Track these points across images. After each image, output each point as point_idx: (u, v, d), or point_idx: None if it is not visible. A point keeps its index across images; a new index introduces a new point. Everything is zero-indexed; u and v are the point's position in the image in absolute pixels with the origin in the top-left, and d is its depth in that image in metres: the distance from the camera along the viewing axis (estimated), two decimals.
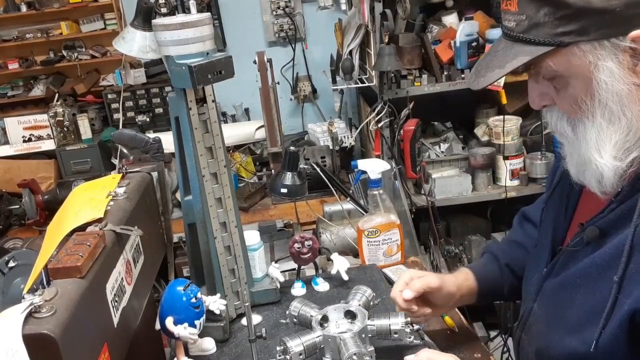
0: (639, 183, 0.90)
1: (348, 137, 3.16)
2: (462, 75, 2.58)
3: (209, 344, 1.33)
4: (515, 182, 2.70)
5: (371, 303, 1.29)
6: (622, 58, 0.84)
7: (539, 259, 1.14)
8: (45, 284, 0.95)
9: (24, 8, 3.80)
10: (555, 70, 0.89)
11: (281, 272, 1.54)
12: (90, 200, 1.25)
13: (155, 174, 1.53)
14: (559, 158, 1.11)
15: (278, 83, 2.78)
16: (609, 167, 0.89)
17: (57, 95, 3.53)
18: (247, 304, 1.16)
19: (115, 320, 1.07)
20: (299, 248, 1.52)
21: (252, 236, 1.52)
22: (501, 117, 2.67)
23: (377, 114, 2.57)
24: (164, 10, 2.05)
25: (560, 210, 1.12)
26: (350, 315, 1.25)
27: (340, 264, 1.55)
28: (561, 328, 1.01)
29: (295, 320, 1.27)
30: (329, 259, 1.63)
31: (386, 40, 2.38)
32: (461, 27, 2.53)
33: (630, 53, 0.84)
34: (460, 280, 1.32)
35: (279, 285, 1.52)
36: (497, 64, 0.92)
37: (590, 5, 0.82)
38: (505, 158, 2.65)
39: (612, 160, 0.88)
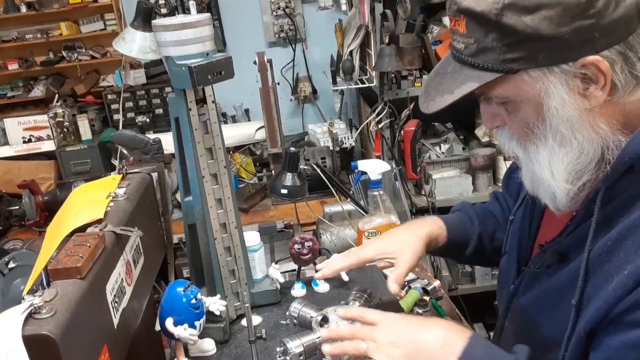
0: (592, 206, 0.89)
1: (348, 138, 3.17)
2: None
3: (209, 345, 1.33)
4: None
5: (371, 304, 1.29)
6: (572, 84, 0.83)
7: (508, 275, 1.14)
8: (45, 285, 0.95)
9: (23, 9, 3.80)
10: (505, 96, 0.88)
11: (281, 273, 1.54)
12: (90, 201, 1.25)
13: (155, 175, 1.52)
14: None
15: (278, 84, 2.78)
16: (561, 190, 0.89)
17: (57, 96, 3.52)
18: (247, 304, 1.16)
19: (115, 321, 1.07)
20: (299, 249, 1.52)
21: (252, 237, 1.52)
22: None
23: (378, 114, 2.57)
24: (163, 10, 2.05)
25: (524, 225, 1.12)
26: None
27: None
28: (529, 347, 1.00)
29: (295, 321, 1.27)
30: None
31: (386, 41, 2.38)
32: None
33: (580, 77, 0.82)
34: (428, 229, 1.29)
35: (279, 286, 1.51)
36: (446, 88, 0.90)
37: (538, 33, 0.80)
38: (506, 159, 2.65)
39: (564, 183, 0.88)
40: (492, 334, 2.80)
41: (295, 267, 1.59)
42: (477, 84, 0.86)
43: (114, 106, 3.60)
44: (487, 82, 0.85)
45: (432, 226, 1.30)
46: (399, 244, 1.25)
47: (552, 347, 0.93)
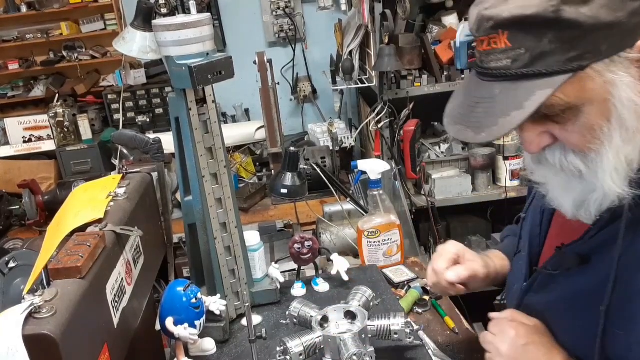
0: (618, 210, 0.86)
1: (348, 138, 3.17)
2: (462, 76, 2.59)
3: (209, 345, 1.33)
4: (515, 183, 2.70)
5: (371, 304, 1.29)
6: (633, 71, 0.79)
7: (519, 273, 1.14)
8: (45, 284, 0.95)
9: (24, 8, 3.81)
10: (566, 102, 0.81)
11: (281, 272, 1.54)
12: (91, 201, 1.25)
13: (155, 175, 1.52)
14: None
15: (278, 83, 2.78)
16: (617, 190, 0.84)
17: (57, 95, 3.53)
18: (247, 304, 1.16)
19: (116, 320, 1.07)
20: (299, 248, 1.52)
21: (252, 237, 1.53)
22: None
23: (377, 114, 2.57)
24: (164, 10, 2.05)
25: (535, 224, 1.12)
26: (350, 315, 1.25)
27: (340, 265, 1.55)
28: None
29: (295, 320, 1.27)
30: (329, 260, 1.63)
31: (386, 41, 2.38)
32: (461, 28, 2.54)
33: (637, 65, 0.79)
34: (498, 264, 1.30)
35: (279, 286, 1.52)
36: (504, 109, 0.81)
37: (599, 22, 0.76)
38: (505, 159, 2.65)
39: (621, 181, 0.83)
40: None
41: (295, 266, 1.59)
42: (550, 89, 0.78)
43: (114, 106, 3.60)
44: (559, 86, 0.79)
45: (502, 261, 1.31)
46: (475, 255, 1.29)
47: (576, 349, 0.94)
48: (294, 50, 3.79)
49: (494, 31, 0.81)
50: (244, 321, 1.42)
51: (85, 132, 3.43)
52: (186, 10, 2.37)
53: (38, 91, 3.97)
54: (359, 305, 1.26)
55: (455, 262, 1.26)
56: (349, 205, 2.15)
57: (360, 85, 2.81)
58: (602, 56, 0.78)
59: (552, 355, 0.96)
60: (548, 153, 0.89)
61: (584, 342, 0.92)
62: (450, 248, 1.28)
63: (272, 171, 2.90)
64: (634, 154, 0.82)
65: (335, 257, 1.57)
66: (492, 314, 1.07)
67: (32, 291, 0.94)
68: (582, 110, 0.82)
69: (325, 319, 1.25)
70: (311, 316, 1.25)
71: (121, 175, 1.42)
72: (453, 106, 0.91)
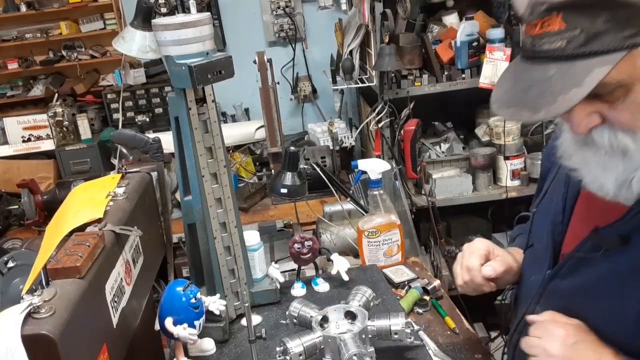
0: None
1: (348, 137, 3.16)
2: (463, 75, 2.58)
3: (208, 345, 1.33)
4: (516, 183, 2.69)
5: (371, 304, 1.29)
6: None
7: (538, 262, 1.14)
8: (44, 284, 0.95)
9: (23, 8, 3.80)
10: (618, 80, 0.83)
11: (281, 272, 1.54)
12: (90, 201, 1.25)
13: (154, 174, 1.52)
14: (548, 166, 1.15)
15: (278, 83, 2.78)
16: None
17: (56, 95, 3.53)
18: (246, 304, 1.16)
19: (115, 320, 1.07)
20: (299, 248, 1.52)
21: (252, 236, 1.52)
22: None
23: (378, 114, 2.56)
24: (163, 10, 2.05)
25: (557, 212, 1.12)
26: (351, 315, 1.24)
27: (341, 265, 1.55)
28: None
29: (295, 320, 1.27)
30: (329, 260, 1.63)
31: (386, 40, 2.37)
32: (462, 27, 2.53)
33: None
34: (520, 260, 1.29)
35: (278, 286, 1.51)
36: (562, 88, 0.83)
37: None
38: (506, 158, 2.65)
39: None
40: (492, 333, 2.80)
41: (295, 266, 1.59)
42: (608, 66, 0.81)
43: (113, 105, 3.60)
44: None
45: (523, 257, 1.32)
46: (503, 250, 1.29)
47: (617, 331, 0.95)
48: (294, 50, 3.78)
49: (547, 14, 0.83)
50: (243, 321, 1.41)
51: (85, 131, 3.43)
52: (186, 10, 2.36)
53: (37, 91, 3.97)
54: (359, 305, 1.26)
55: (487, 259, 1.26)
56: (349, 205, 2.15)
57: (360, 85, 2.81)
58: None
59: (601, 352, 0.97)
60: (595, 134, 0.90)
61: (624, 323, 0.93)
62: (479, 245, 1.28)
63: (272, 171, 2.90)
64: None
65: (335, 257, 1.57)
66: (531, 317, 1.06)
67: (31, 291, 0.93)
68: (632, 89, 0.84)
69: (325, 319, 1.24)
70: (311, 316, 1.24)
71: (120, 174, 1.42)
72: (501, 91, 0.92)
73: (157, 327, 1.23)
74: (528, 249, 1.22)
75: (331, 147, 2.89)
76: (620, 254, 0.95)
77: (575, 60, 0.83)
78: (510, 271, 1.24)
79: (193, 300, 1.21)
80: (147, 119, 3.62)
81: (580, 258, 1.02)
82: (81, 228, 1.12)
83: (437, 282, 1.63)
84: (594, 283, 0.99)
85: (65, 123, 3.30)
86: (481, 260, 1.24)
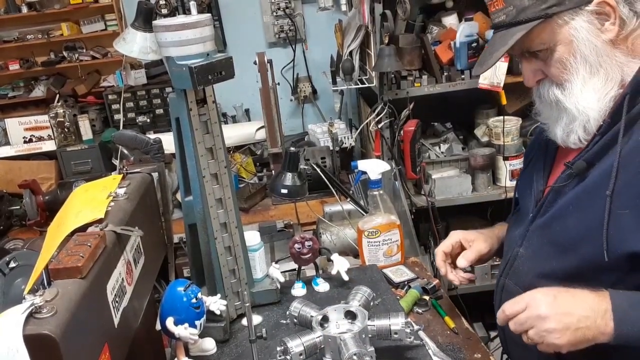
0: (617, 115, 1.08)
1: (348, 138, 3.17)
2: (462, 76, 2.59)
3: (209, 344, 1.34)
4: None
5: (371, 303, 1.30)
6: (593, 20, 1.08)
7: (522, 217, 1.29)
8: (46, 284, 0.96)
9: (24, 9, 3.80)
10: (543, 42, 1.12)
11: (281, 272, 1.54)
12: (91, 201, 1.25)
13: (155, 175, 1.53)
14: (536, 138, 1.35)
15: (278, 84, 2.78)
16: (594, 110, 1.10)
17: (57, 96, 3.53)
18: (247, 304, 1.16)
19: (116, 320, 1.07)
20: (299, 248, 1.52)
21: (252, 237, 1.53)
22: (501, 117, 2.67)
23: (377, 114, 2.57)
24: (164, 11, 2.06)
25: (537, 172, 1.28)
26: (351, 315, 1.25)
27: (341, 265, 1.55)
28: (553, 257, 1.16)
29: (295, 320, 1.27)
30: (329, 260, 1.63)
31: (386, 41, 2.38)
32: (461, 28, 2.54)
33: (596, 16, 1.08)
34: (498, 231, 1.46)
35: (279, 286, 1.52)
36: (497, 48, 1.15)
37: None
38: (505, 159, 2.65)
39: (596, 102, 1.10)
40: (491, 333, 2.80)
41: (296, 266, 1.59)
42: (524, 30, 1.10)
43: (114, 106, 3.60)
44: (531, 30, 1.10)
45: (504, 227, 1.46)
46: (477, 234, 1.45)
47: (583, 242, 1.10)
48: (294, 51, 3.79)
49: None
50: (244, 321, 1.42)
51: (86, 132, 3.43)
52: (186, 11, 2.37)
53: (39, 91, 3.97)
54: (359, 305, 1.26)
55: (462, 248, 1.43)
56: (349, 205, 2.15)
57: (360, 86, 2.81)
58: (566, 7, 1.08)
59: (577, 294, 1.08)
60: (541, 87, 1.19)
61: (592, 232, 1.07)
62: (445, 243, 1.46)
63: (272, 171, 2.90)
64: (600, 84, 1.10)
65: (335, 257, 1.58)
66: (505, 305, 1.15)
67: (32, 291, 0.94)
68: (554, 49, 1.12)
69: (325, 319, 1.25)
70: (311, 316, 1.25)
71: (122, 175, 1.43)
72: (480, 55, 1.26)
73: (158, 327, 1.24)
74: (514, 214, 1.38)
75: (331, 148, 2.89)
76: (581, 180, 1.13)
77: (509, 28, 1.13)
78: (488, 252, 1.42)
79: (194, 300, 1.22)
80: (148, 120, 3.62)
81: (555, 191, 1.19)
82: (82, 228, 1.12)
83: (436, 282, 1.63)
84: (563, 207, 1.16)
85: (67, 124, 3.31)
86: (445, 258, 1.44)
